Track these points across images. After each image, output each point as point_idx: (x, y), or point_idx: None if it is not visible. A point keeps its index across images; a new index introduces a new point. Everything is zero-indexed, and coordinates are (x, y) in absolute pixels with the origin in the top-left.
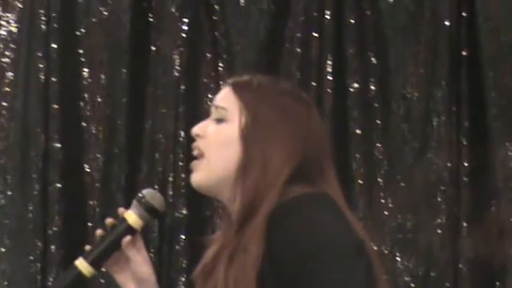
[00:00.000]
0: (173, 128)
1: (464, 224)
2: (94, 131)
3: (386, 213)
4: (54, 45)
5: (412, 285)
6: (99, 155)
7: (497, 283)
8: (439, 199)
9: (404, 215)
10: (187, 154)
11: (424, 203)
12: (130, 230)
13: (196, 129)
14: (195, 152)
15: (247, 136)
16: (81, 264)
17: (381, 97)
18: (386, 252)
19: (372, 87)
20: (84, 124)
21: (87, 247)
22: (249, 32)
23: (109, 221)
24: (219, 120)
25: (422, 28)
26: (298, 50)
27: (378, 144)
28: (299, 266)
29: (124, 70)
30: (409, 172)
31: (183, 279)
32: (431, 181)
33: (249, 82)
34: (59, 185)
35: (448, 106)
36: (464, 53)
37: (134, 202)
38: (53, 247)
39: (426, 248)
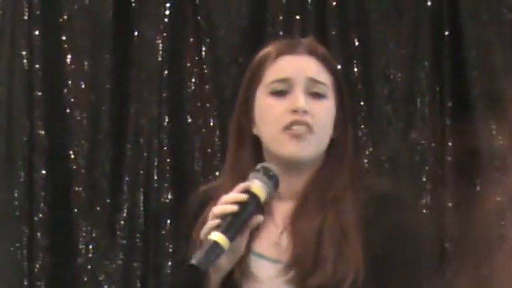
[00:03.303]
0: (157, 113)
1: (449, 204)
2: (78, 118)
3: None
4: (37, 33)
5: None
6: (83, 141)
7: (483, 262)
8: (423, 179)
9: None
10: (171, 138)
11: (409, 183)
12: (260, 208)
13: (304, 105)
14: (301, 127)
15: (344, 114)
16: (224, 241)
17: (364, 78)
18: None
19: (355, 69)
20: (68, 111)
21: (220, 221)
22: (231, 16)
23: (241, 197)
24: (320, 96)
25: (405, 8)
26: (281, 32)
27: (361, 126)
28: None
29: (107, 56)
30: (394, 153)
31: (169, 263)
32: (415, 161)
33: (328, 55)
34: (44, 172)
35: (431, 86)
36: (446, 33)
37: (260, 175)
38: (39, 234)
39: None
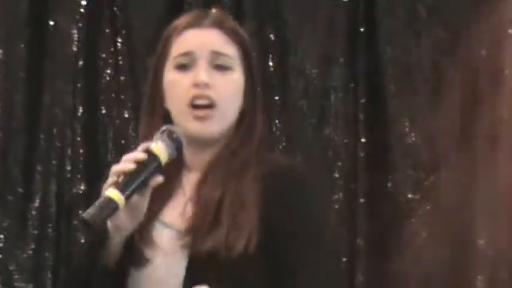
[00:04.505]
0: (71, 103)
1: (361, 200)
2: None
3: None
4: None
5: None
6: None
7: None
8: (336, 175)
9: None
10: (85, 129)
11: (322, 178)
12: (160, 168)
13: (204, 78)
14: (204, 101)
15: (252, 86)
16: (118, 197)
17: (280, 73)
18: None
19: (271, 64)
20: None
21: (115, 179)
22: (147, 7)
23: (141, 156)
24: (224, 68)
25: (320, 4)
26: None
27: (276, 120)
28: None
29: (22, 45)
30: (307, 148)
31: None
32: (328, 157)
33: (236, 26)
34: None
35: (345, 82)
36: (361, 29)
37: (164, 137)
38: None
39: None
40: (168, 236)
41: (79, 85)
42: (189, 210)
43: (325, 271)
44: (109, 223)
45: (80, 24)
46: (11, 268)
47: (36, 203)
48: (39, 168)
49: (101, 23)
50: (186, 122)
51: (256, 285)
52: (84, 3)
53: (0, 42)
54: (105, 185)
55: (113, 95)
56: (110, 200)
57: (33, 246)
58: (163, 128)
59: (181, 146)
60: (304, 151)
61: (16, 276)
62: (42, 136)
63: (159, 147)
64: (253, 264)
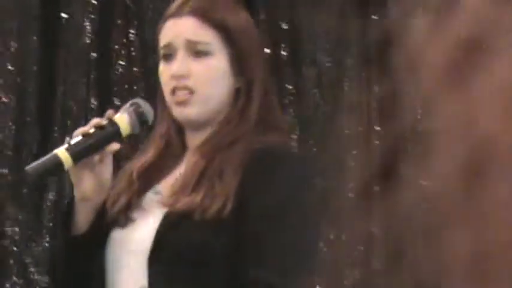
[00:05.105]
0: (85, 95)
1: (376, 188)
2: (5, 100)
3: None
4: None
5: (325, 249)
6: (10, 123)
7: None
8: (351, 163)
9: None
10: None
11: (336, 167)
12: (118, 136)
13: (178, 70)
14: (182, 92)
15: (240, 65)
16: (64, 155)
17: (292, 63)
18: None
19: (283, 53)
20: None
21: (69, 139)
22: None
23: (101, 122)
24: (202, 54)
25: None
26: None
27: (289, 110)
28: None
29: (34, 38)
30: (321, 137)
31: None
32: (342, 145)
33: (215, 10)
34: None
35: (358, 71)
36: (374, 17)
37: (129, 109)
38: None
39: (338, 212)
40: (154, 199)
41: (92, 77)
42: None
43: (281, 248)
44: (76, 194)
45: (93, 16)
46: (26, 261)
47: (51, 196)
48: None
49: (113, 15)
50: (172, 109)
51: (224, 248)
52: None
53: (12, 35)
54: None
55: (126, 86)
56: (55, 157)
57: (48, 239)
58: (132, 101)
59: (147, 120)
60: (318, 140)
61: (32, 269)
62: (56, 128)
63: (122, 118)
64: (224, 228)
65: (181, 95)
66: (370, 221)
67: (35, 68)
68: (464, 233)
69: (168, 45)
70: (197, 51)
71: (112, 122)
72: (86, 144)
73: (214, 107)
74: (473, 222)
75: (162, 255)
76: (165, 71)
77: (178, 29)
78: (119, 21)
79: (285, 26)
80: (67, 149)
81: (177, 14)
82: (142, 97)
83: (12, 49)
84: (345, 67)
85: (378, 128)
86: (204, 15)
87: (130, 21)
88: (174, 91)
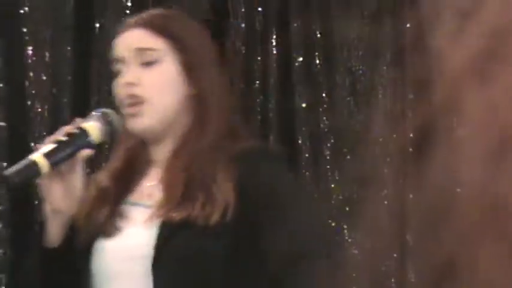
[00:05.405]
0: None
1: (411, 196)
2: (39, 109)
3: (333, 185)
4: None
5: (360, 257)
6: (45, 133)
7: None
8: (385, 170)
9: (351, 187)
10: None
11: (371, 175)
12: (90, 144)
13: (127, 78)
14: (130, 101)
15: (192, 71)
16: (41, 160)
17: (326, 70)
18: (333, 225)
19: (317, 61)
20: (29, 102)
21: (41, 146)
22: (193, 8)
23: (71, 129)
24: (149, 64)
25: (366, 1)
26: (243, 24)
27: (323, 118)
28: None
29: (68, 48)
30: (355, 145)
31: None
32: (377, 153)
33: (161, 16)
34: (5, 164)
35: (393, 78)
36: (408, 25)
37: (98, 117)
38: (0, 225)
39: (373, 220)
40: (137, 211)
41: None
42: (157, 191)
43: (303, 225)
44: (47, 207)
45: None
46: None
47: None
48: (88, 170)
49: None
50: (126, 123)
51: (226, 250)
52: (129, 5)
53: (46, 46)
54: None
55: None
56: (33, 162)
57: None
58: (100, 110)
59: (116, 129)
60: (352, 148)
61: None
62: None
63: (92, 126)
64: (226, 231)
65: (132, 107)
66: (405, 228)
67: (69, 78)
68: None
69: (119, 60)
70: (147, 61)
71: (82, 130)
72: (60, 151)
73: (167, 115)
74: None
75: (166, 261)
76: (117, 85)
77: (128, 41)
78: None
79: (318, 34)
80: (44, 155)
81: (125, 29)
82: None
83: (46, 59)
84: (378, 74)
85: (411, 136)
86: (153, 25)
87: None
88: (126, 104)
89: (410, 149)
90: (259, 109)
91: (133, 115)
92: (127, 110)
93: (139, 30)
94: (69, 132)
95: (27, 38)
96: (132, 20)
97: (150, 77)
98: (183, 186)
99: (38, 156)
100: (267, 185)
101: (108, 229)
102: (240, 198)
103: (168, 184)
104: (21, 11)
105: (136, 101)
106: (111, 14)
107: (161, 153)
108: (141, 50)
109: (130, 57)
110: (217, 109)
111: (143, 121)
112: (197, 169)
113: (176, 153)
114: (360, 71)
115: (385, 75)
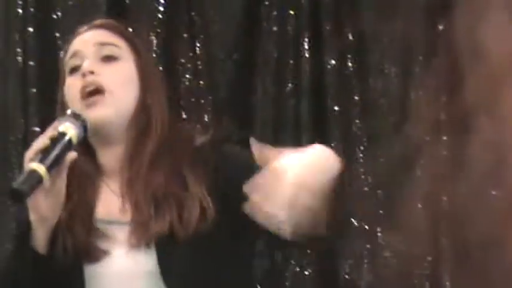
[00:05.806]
0: None
1: (444, 198)
2: None
3: (366, 189)
4: (31, 30)
5: (394, 260)
6: None
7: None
8: (418, 173)
9: (384, 190)
10: None
11: (404, 177)
12: (72, 146)
13: (89, 67)
14: (91, 89)
15: (147, 76)
16: (41, 169)
17: (359, 73)
18: (367, 228)
19: (349, 64)
20: None
21: (32, 154)
22: (225, 12)
23: (53, 133)
24: (111, 58)
25: (399, 2)
26: (275, 28)
27: (356, 121)
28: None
29: None
30: (388, 147)
31: None
32: (410, 155)
33: (117, 22)
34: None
35: (425, 80)
36: (440, 27)
37: (71, 119)
38: None
39: (407, 222)
40: (115, 230)
41: None
42: (127, 205)
43: None
44: (32, 216)
45: (158, 30)
46: None
47: None
48: None
49: (179, 29)
50: (83, 114)
51: (226, 247)
52: (161, 9)
53: None
54: (25, 161)
55: (193, 99)
56: (34, 171)
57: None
58: (69, 111)
59: (87, 125)
60: (386, 151)
61: None
62: None
63: (68, 128)
64: (218, 223)
65: (93, 97)
66: (440, 231)
67: None
68: None
69: (76, 54)
70: (108, 55)
71: (62, 133)
72: (52, 157)
73: (127, 109)
74: None
75: (175, 273)
76: (74, 80)
77: (87, 38)
78: (185, 35)
79: (350, 37)
80: (40, 162)
81: (87, 29)
82: (209, 111)
83: None
84: (412, 76)
85: (445, 138)
86: (113, 27)
87: (196, 35)
88: (86, 93)
89: (445, 152)
90: (291, 113)
91: (94, 104)
92: (87, 100)
93: (100, 30)
94: (52, 137)
95: (60, 42)
96: (89, 24)
97: (111, 71)
98: (152, 202)
99: (35, 164)
100: (237, 168)
101: (93, 253)
102: (218, 196)
103: (135, 202)
104: (54, 16)
105: (97, 89)
106: (144, 19)
107: (112, 158)
108: (102, 45)
109: (89, 52)
110: (162, 117)
111: (105, 110)
112: (161, 181)
113: (130, 161)
114: (393, 74)
115: (417, 77)
